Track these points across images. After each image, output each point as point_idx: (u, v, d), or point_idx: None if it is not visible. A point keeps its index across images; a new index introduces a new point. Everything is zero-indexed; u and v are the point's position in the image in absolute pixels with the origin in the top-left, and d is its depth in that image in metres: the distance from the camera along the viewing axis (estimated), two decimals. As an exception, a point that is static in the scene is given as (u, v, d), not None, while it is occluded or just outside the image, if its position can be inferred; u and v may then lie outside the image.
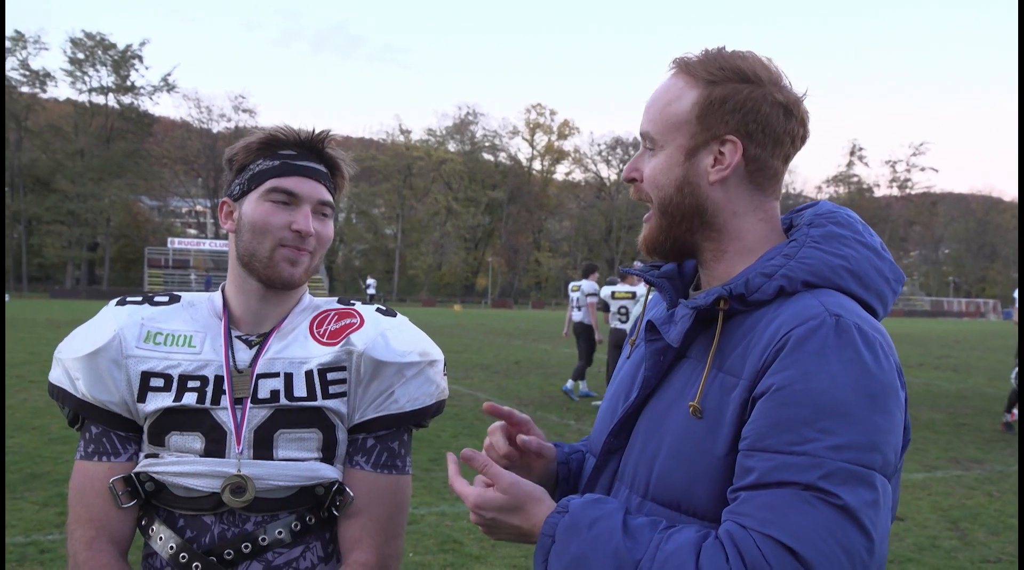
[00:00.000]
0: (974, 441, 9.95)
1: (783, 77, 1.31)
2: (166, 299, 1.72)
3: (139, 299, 1.72)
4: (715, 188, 1.30)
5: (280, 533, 1.59)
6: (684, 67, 1.32)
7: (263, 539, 1.58)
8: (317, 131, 1.70)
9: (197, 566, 1.56)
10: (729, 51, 1.32)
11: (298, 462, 1.60)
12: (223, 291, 1.73)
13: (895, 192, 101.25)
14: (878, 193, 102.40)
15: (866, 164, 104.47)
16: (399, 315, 1.77)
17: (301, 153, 1.67)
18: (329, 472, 1.62)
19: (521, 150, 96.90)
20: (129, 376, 1.60)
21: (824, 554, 1.06)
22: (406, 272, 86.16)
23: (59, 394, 1.65)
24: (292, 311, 1.71)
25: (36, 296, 59.79)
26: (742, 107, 1.27)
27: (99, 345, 1.61)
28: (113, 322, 1.64)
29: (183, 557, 1.57)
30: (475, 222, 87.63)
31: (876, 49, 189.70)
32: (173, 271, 68.91)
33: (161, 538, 1.59)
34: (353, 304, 1.76)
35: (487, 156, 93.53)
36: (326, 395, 1.62)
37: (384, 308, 1.77)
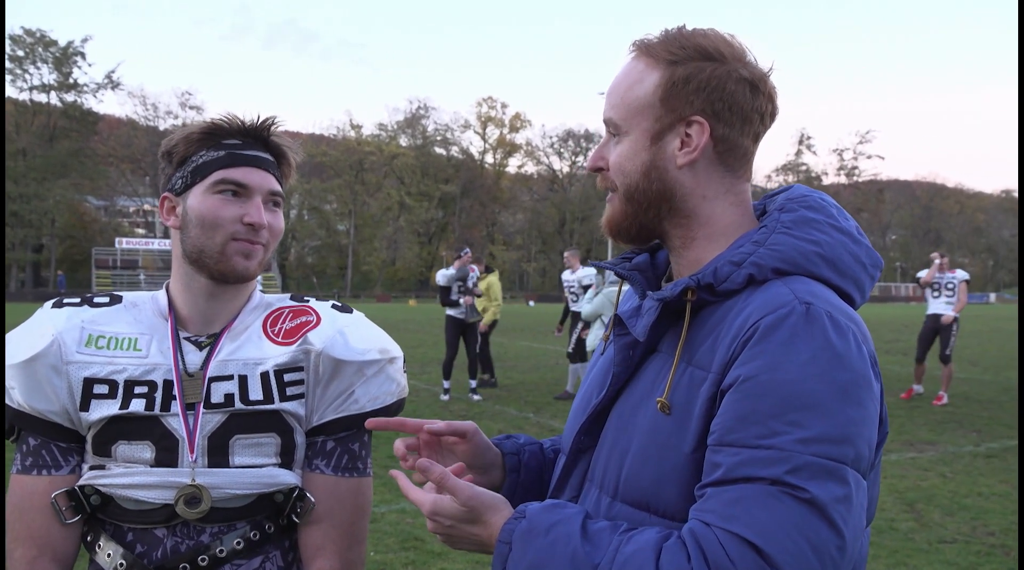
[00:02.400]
0: (927, 423, 10.15)
1: (747, 52, 1.25)
2: (106, 300, 1.63)
3: (77, 300, 1.62)
4: (683, 172, 1.25)
5: (238, 544, 1.52)
6: (644, 49, 1.27)
7: (220, 551, 1.51)
8: (262, 118, 1.61)
9: None
10: (690, 29, 1.26)
11: (256, 469, 1.53)
12: (167, 290, 1.64)
13: (843, 180, 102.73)
14: (826, 181, 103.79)
15: (814, 153, 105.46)
16: (355, 311, 1.70)
17: (246, 142, 1.59)
18: (288, 478, 1.56)
19: (473, 144, 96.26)
20: (71, 383, 1.51)
21: (790, 551, 1.01)
22: (360, 268, 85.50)
23: None
24: (243, 309, 1.63)
25: (-21, 300, 58.23)
26: (706, 86, 1.22)
27: (36, 351, 1.51)
28: (51, 325, 1.54)
29: None
30: (428, 217, 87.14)
31: (824, 38, 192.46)
32: (122, 272, 67.54)
33: (109, 554, 1.51)
34: (307, 301, 1.69)
35: (439, 150, 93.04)
36: (284, 397, 1.56)
37: (340, 304, 1.71)
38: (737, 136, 1.25)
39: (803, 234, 1.22)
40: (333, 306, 1.69)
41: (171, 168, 1.59)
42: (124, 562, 1.50)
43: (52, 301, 1.63)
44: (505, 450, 1.52)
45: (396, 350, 1.69)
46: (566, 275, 12.77)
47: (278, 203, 1.62)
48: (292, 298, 1.70)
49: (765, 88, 1.25)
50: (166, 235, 75.54)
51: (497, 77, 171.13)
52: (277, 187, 1.61)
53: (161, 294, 1.64)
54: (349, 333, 1.62)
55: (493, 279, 12.96)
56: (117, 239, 72.70)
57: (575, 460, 1.35)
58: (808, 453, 1.04)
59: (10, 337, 1.58)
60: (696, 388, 1.16)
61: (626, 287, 1.50)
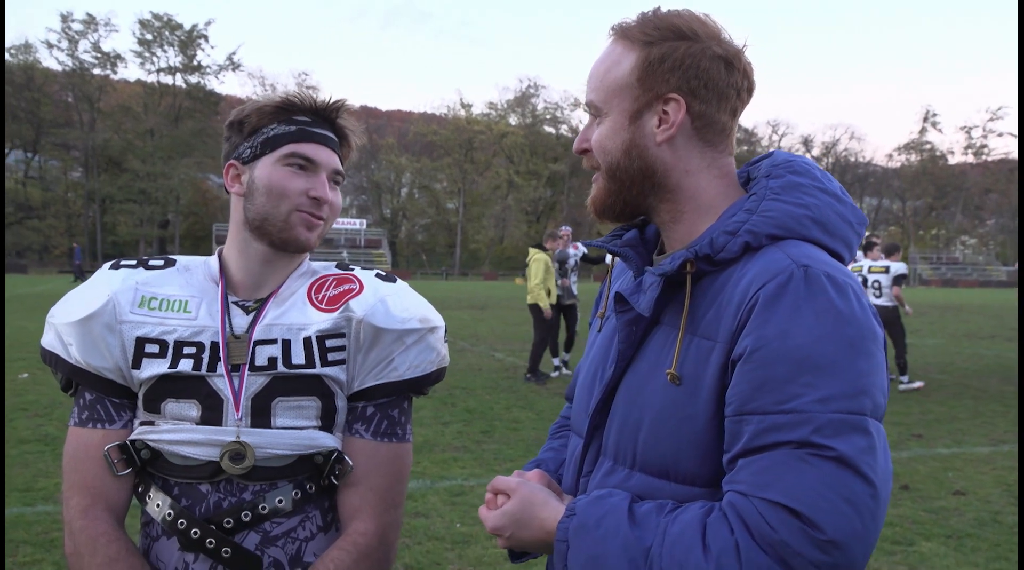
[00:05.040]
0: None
1: (722, 31, 1.29)
2: (161, 262, 1.69)
3: (133, 262, 1.69)
4: (663, 148, 1.29)
5: (280, 501, 1.57)
6: (621, 32, 1.31)
7: (263, 508, 1.56)
8: (332, 99, 1.67)
9: (196, 532, 1.54)
10: (665, 10, 1.30)
11: (296, 430, 1.58)
12: (220, 255, 1.70)
13: (970, 159, 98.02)
14: (952, 160, 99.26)
15: (940, 130, 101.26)
16: (399, 280, 1.73)
17: (316, 120, 1.65)
18: (328, 441, 1.60)
19: (583, 122, 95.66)
20: (124, 342, 1.58)
21: (827, 509, 1.04)
22: (468, 246, 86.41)
23: (52, 359, 1.63)
24: (290, 276, 1.68)
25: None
26: (681, 64, 1.26)
27: (92, 310, 1.58)
28: (107, 286, 1.62)
29: (181, 523, 1.55)
30: (536, 195, 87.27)
31: (951, 13, 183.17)
32: (241, 247, 69.97)
33: (158, 505, 1.58)
34: (352, 269, 1.72)
35: (548, 129, 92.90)
36: (325, 362, 1.60)
37: (384, 273, 1.74)
38: (714, 112, 1.28)
39: (792, 199, 1.25)
40: (377, 275, 1.72)
41: (239, 137, 1.65)
42: (172, 512, 1.56)
43: (110, 263, 1.70)
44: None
45: (437, 319, 1.71)
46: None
47: (339, 182, 1.67)
48: (338, 266, 1.74)
49: (740, 64, 1.28)
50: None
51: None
52: (340, 166, 1.66)
53: (214, 259, 1.70)
54: (390, 302, 1.65)
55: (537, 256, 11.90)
56: (237, 216, 75.21)
57: (591, 437, 1.37)
58: (828, 411, 1.07)
59: (68, 296, 1.66)
60: (704, 358, 1.19)
61: (617, 264, 1.55)
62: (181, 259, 1.72)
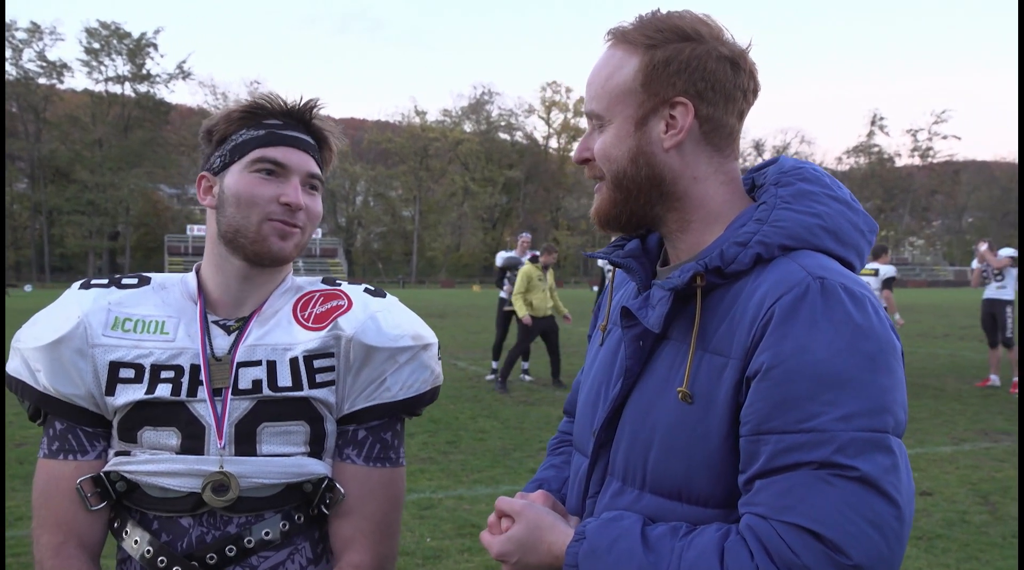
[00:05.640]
0: (1002, 412, 9.75)
1: (725, 31, 1.24)
2: (135, 281, 1.59)
3: (105, 281, 1.58)
4: (671, 155, 1.23)
5: (267, 534, 1.47)
6: (620, 36, 1.26)
7: (248, 542, 1.46)
8: (304, 99, 1.57)
9: None
10: (664, 12, 1.25)
11: (284, 457, 1.47)
12: (198, 272, 1.59)
13: (917, 161, 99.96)
14: (899, 162, 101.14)
15: (887, 133, 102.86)
16: (388, 295, 1.64)
17: (287, 123, 1.54)
18: (317, 467, 1.50)
19: (537, 129, 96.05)
20: (96, 367, 1.47)
21: (851, 532, 1.01)
22: (424, 254, 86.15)
23: (18, 387, 1.51)
24: (273, 293, 1.58)
25: (59, 286, 60.04)
26: (687, 66, 1.20)
27: (61, 334, 1.47)
28: (77, 307, 1.50)
29: (161, 561, 1.45)
30: (492, 202, 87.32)
31: (897, 16, 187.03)
32: (194, 258, 69.12)
33: (136, 541, 1.47)
34: (339, 284, 1.63)
35: (503, 135, 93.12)
36: (313, 384, 1.50)
37: (373, 288, 1.65)
38: (722, 115, 1.23)
39: (804, 207, 1.21)
40: (366, 290, 1.63)
41: (210, 147, 1.56)
42: (151, 549, 1.46)
43: (80, 282, 1.59)
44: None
45: (430, 336, 1.63)
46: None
47: (316, 187, 1.57)
48: (324, 281, 1.64)
49: (746, 65, 1.24)
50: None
51: (561, 61, 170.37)
52: (316, 170, 1.55)
53: (191, 276, 1.60)
54: (381, 318, 1.56)
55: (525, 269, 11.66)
56: (189, 226, 74.51)
57: (597, 456, 1.32)
58: (851, 429, 1.03)
59: (36, 318, 1.55)
60: (717, 375, 1.14)
61: (617, 275, 1.49)
62: (156, 277, 1.62)
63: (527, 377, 12.13)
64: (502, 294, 12.04)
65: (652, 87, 1.22)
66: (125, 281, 1.59)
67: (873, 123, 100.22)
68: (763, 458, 1.07)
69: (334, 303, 1.57)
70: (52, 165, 73.87)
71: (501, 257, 12.02)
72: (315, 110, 1.58)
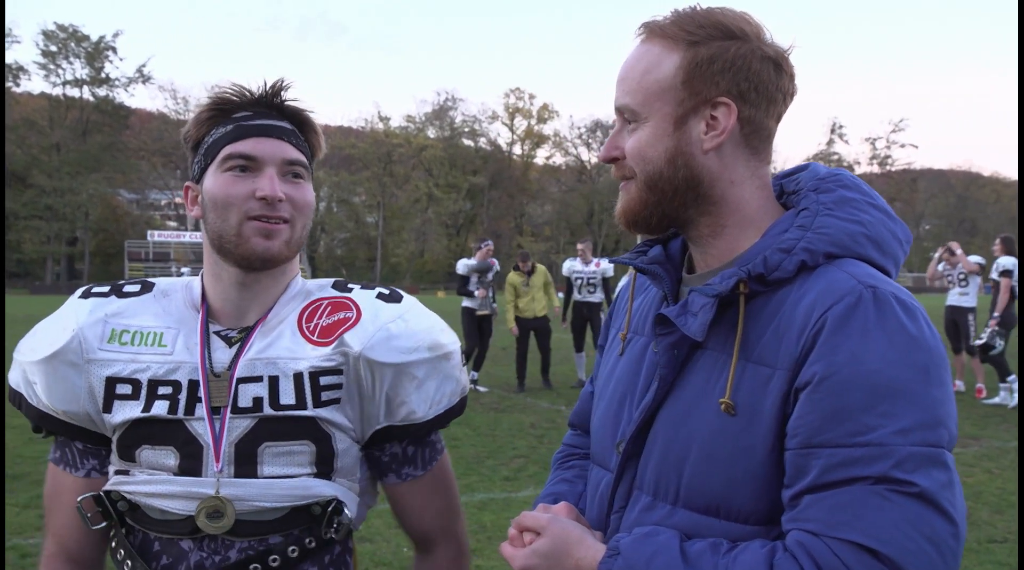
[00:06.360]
0: (969, 417, 9.88)
1: (764, 30, 1.21)
2: (137, 288, 1.51)
3: (106, 289, 1.50)
4: (710, 157, 1.19)
5: (274, 561, 1.39)
6: (657, 31, 1.21)
7: (255, 568, 1.38)
8: (270, 83, 1.47)
9: None
10: (705, 8, 1.21)
11: (287, 479, 1.39)
12: (203, 277, 1.51)
13: (875, 169, 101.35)
14: (858, 170, 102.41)
15: (846, 142, 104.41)
16: (405, 298, 1.53)
17: (257, 112, 1.45)
18: (325, 489, 1.42)
19: (501, 135, 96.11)
20: (91, 383, 1.40)
21: (910, 550, 0.98)
22: (388, 260, 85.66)
23: (17, 400, 1.44)
24: (279, 300, 1.48)
25: (15, 292, 58.96)
26: (732, 65, 1.17)
27: (56, 348, 1.40)
28: (73, 319, 1.43)
29: None
30: (456, 208, 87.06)
31: (855, 25, 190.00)
32: (154, 264, 68.26)
33: (127, 566, 1.41)
34: (351, 289, 1.52)
35: (467, 142, 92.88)
36: (318, 402, 1.41)
37: (387, 292, 1.54)
38: (763, 117, 1.20)
39: (847, 215, 1.18)
40: (379, 296, 1.52)
41: (191, 155, 1.48)
42: None
43: (81, 290, 1.52)
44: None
45: (450, 342, 1.53)
46: (576, 266, 12.25)
47: (300, 174, 1.45)
48: (334, 286, 1.54)
49: (787, 67, 1.21)
50: (197, 228, 76.30)
51: (524, 68, 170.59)
52: (294, 155, 1.44)
53: (196, 282, 1.52)
54: (394, 329, 1.45)
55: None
56: (149, 232, 73.45)
57: (624, 468, 1.27)
58: (909, 443, 1.00)
59: (37, 328, 1.48)
60: (762, 386, 1.10)
61: (637, 281, 1.46)
62: (160, 282, 1.53)
63: (480, 388, 11.98)
64: (467, 303, 11.90)
65: (694, 85, 1.18)
66: (127, 288, 1.51)
67: (833, 131, 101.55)
68: (814, 472, 1.04)
69: (341, 315, 1.47)
70: (9, 169, 72.40)
71: (464, 265, 11.94)
72: (281, 90, 1.48)
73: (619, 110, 1.24)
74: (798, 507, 1.05)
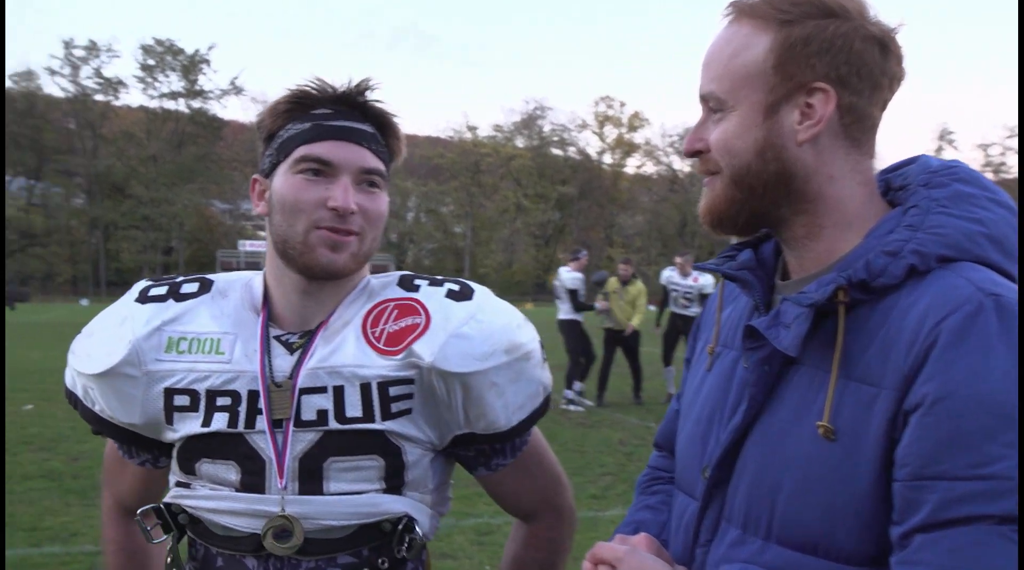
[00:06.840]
0: None
1: (868, 7, 1.06)
2: (195, 288, 1.42)
3: (163, 292, 1.41)
4: (804, 149, 1.06)
5: None
6: (747, 10, 1.09)
7: None
8: (355, 82, 1.35)
9: None
10: None
11: (354, 496, 1.31)
12: (265, 277, 1.43)
13: (989, 176, 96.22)
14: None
15: (956, 148, 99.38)
16: (476, 292, 1.41)
17: (338, 111, 1.34)
18: (395, 505, 1.33)
19: (590, 144, 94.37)
20: (151, 396, 1.35)
21: None
22: (476, 271, 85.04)
23: (73, 401, 1.43)
24: (343, 301, 1.38)
25: (114, 301, 60.37)
26: (830, 47, 1.03)
27: (112, 363, 1.34)
28: (130, 330, 1.36)
29: None
30: (545, 218, 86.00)
31: (961, 30, 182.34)
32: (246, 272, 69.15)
33: None
34: (418, 288, 1.39)
35: (556, 151, 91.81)
36: (387, 415, 1.31)
37: (457, 287, 1.41)
38: (866, 105, 1.06)
39: (963, 212, 1.03)
40: (449, 293, 1.38)
41: (263, 146, 1.37)
42: None
43: (139, 290, 1.43)
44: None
45: (529, 340, 1.39)
46: (674, 277, 11.76)
47: (376, 183, 1.34)
48: (400, 283, 1.40)
49: (895, 48, 1.07)
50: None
51: (615, 76, 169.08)
52: (373, 163, 1.33)
53: (258, 281, 1.40)
54: (467, 333, 1.33)
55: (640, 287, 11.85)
56: (241, 242, 74.28)
57: (711, 496, 1.15)
58: None
59: (91, 329, 1.42)
60: (866, 408, 0.98)
61: (725, 290, 1.34)
62: (219, 280, 1.42)
63: (574, 407, 10.91)
64: (568, 315, 10.97)
65: (787, 69, 1.05)
66: (184, 289, 1.43)
67: (941, 138, 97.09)
68: (927, 508, 0.91)
69: (409, 321, 1.34)
70: (108, 180, 74.52)
71: (574, 279, 11.00)
72: (366, 90, 1.36)
73: (704, 98, 1.12)
74: (909, 548, 0.92)
